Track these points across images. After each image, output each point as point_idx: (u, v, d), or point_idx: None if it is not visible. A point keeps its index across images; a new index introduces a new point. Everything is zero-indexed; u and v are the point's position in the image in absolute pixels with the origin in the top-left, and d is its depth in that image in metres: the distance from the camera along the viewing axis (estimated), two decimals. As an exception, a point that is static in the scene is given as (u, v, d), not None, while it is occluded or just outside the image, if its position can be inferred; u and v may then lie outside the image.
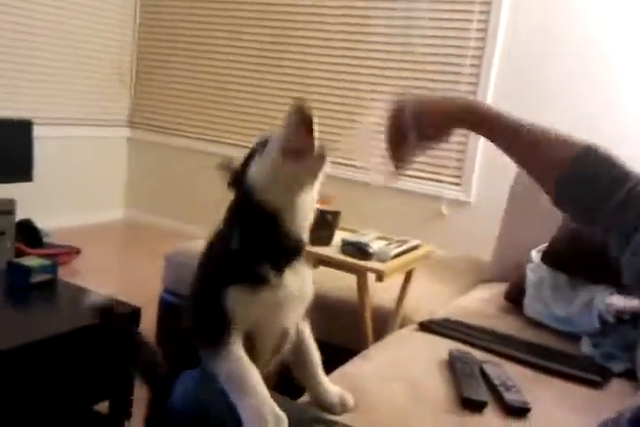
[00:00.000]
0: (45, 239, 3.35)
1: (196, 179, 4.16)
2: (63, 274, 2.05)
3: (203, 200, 4.13)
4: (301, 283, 1.12)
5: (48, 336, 1.68)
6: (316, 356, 1.21)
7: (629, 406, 0.65)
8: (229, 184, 1.11)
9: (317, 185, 1.10)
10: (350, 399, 1.21)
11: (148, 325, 2.15)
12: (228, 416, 0.97)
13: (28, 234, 3.24)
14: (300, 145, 1.01)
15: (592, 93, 2.86)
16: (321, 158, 1.03)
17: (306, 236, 1.12)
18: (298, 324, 1.18)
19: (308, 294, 1.15)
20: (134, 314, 1.90)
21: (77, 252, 3.41)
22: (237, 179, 1.09)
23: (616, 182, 0.82)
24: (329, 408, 1.18)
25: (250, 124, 3.91)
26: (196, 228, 4.05)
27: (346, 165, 3.44)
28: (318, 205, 1.93)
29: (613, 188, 0.82)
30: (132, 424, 1.91)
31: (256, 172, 1.05)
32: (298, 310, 1.15)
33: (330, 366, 1.33)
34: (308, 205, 1.09)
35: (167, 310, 2.34)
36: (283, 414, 0.96)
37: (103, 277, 3.21)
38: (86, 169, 4.18)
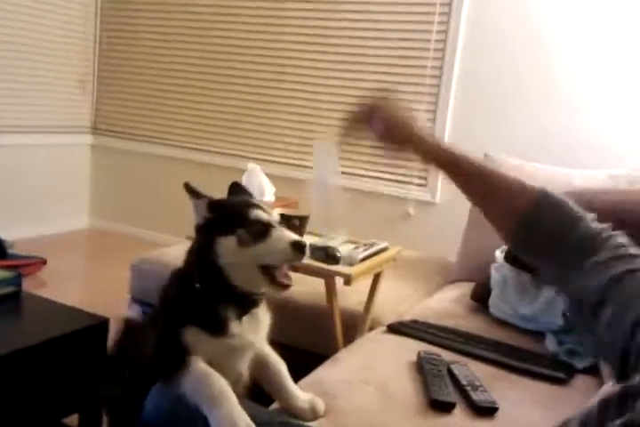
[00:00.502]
0: (10, 250, 3.28)
1: (162, 185, 4.13)
2: (29, 285, 2.02)
3: (168, 207, 4.10)
4: (259, 330, 1.16)
5: (14, 349, 1.65)
6: (282, 370, 1.22)
7: (579, 410, 0.68)
8: (197, 229, 1.14)
9: None
10: (321, 405, 1.22)
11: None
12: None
13: (-9, 245, 3.18)
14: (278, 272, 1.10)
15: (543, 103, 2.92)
16: (284, 290, 1.11)
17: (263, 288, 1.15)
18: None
19: (262, 338, 1.19)
20: (102, 325, 1.88)
21: (43, 262, 3.35)
22: (204, 231, 1.12)
23: (569, 225, 0.86)
24: (300, 415, 1.19)
25: (214, 129, 3.90)
26: (163, 235, 4.02)
27: (310, 167, 3.48)
28: (283, 210, 1.95)
29: (568, 230, 0.86)
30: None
31: (225, 256, 1.09)
32: (250, 353, 1.17)
33: (300, 372, 1.35)
34: None
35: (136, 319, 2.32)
36: (252, 424, 0.97)
37: (70, 288, 3.16)
38: (49, 177, 4.11)
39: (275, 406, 1.23)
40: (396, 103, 1.03)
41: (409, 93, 3.18)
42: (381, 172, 3.31)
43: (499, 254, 2.01)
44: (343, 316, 1.93)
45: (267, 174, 2.17)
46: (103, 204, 4.42)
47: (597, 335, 0.79)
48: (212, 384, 1.02)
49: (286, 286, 1.10)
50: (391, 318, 1.85)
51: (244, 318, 1.12)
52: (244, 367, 1.16)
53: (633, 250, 0.83)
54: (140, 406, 1.06)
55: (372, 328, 1.89)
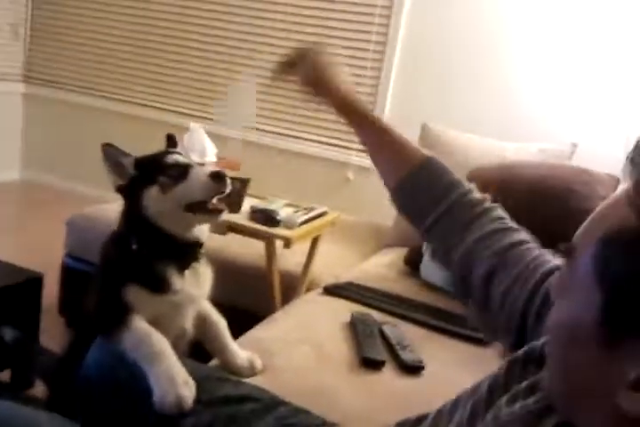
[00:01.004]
0: None
1: (97, 138, 3.99)
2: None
3: (101, 160, 4.00)
4: (201, 284, 1.18)
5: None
6: (222, 328, 1.25)
7: (489, 374, 0.73)
8: (118, 190, 1.15)
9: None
10: (259, 362, 1.27)
11: (50, 290, 2.11)
12: (142, 382, 1.00)
13: None
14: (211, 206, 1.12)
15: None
16: (219, 214, 1.13)
17: (203, 237, 1.17)
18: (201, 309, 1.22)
19: (205, 292, 1.20)
20: (36, 280, 1.87)
21: (-29, 214, 3.24)
22: (129, 190, 1.13)
23: (446, 191, 0.92)
24: (238, 371, 1.23)
25: (154, 83, 3.79)
26: (97, 189, 3.94)
27: (260, 130, 3.47)
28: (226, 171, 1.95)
29: (443, 195, 0.92)
30: (34, 392, 1.89)
31: (152, 205, 1.11)
32: (193, 309, 1.19)
33: (238, 330, 1.38)
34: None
35: (70, 275, 2.30)
36: (190, 380, 1.00)
37: (1, 241, 3.08)
38: (-23, 126, 3.93)
39: (214, 362, 1.27)
40: (324, 53, 1.08)
41: (352, 58, 3.20)
42: (322, 136, 3.33)
43: (432, 221, 2.08)
44: (282, 277, 1.97)
45: (208, 133, 2.15)
46: (35, 156, 4.27)
47: (489, 308, 0.85)
48: (152, 343, 1.04)
49: (219, 211, 1.12)
50: (328, 281, 1.90)
51: (186, 273, 1.14)
52: (187, 324, 1.18)
53: (511, 223, 0.90)
54: (78, 364, 1.08)
55: (309, 290, 1.95)
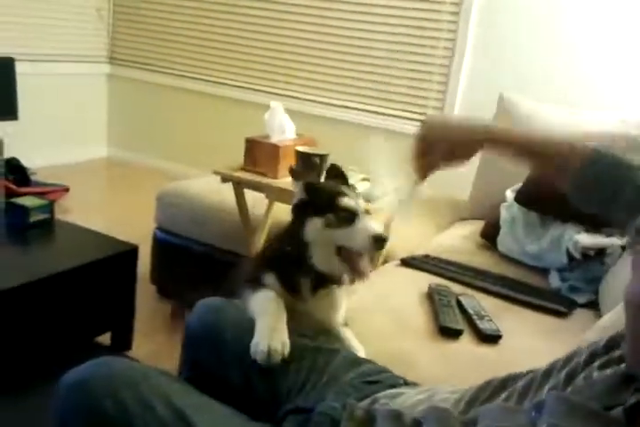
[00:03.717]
0: (32, 178, 3.38)
1: (179, 117, 4.16)
2: (55, 212, 2.11)
3: (184, 138, 4.16)
4: (329, 308, 1.26)
5: (50, 274, 1.77)
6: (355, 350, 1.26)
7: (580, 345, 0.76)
8: (293, 208, 1.25)
9: None
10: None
11: (143, 260, 2.25)
12: (242, 340, 1.08)
13: (15, 172, 3.26)
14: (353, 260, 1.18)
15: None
16: (359, 279, 1.20)
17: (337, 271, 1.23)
18: (334, 331, 1.28)
19: (328, 319, 1.27)
20: (133, 252, 2.00)
21: (66, 190, 3.45)
22: (301, 210, 1.23)
23: (622, 182, 0.88)
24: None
25: (234, 62, 3.88)
26: (179, 165, 4.10)
27: (334, 105, 3.51)
28: (304, 148, 2.01)
29: (619, 188, 0.88)
30: (133, 355, 2.04)
31: (310, 234, 1.20)
32: (311, 324, 1.24)
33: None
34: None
35: (161, 247, 2.44)
36: (288, 341, 1.07)
37: (94, 215, 3.27)
38: (68, 107, 4.15)
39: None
40: (445, 121, 1.09)
41: (425, 33, 3.17)
42: (398, 110, 3.34)
43: (509, 194, 2.09)
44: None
45: (286, 110, 2.21)
46: (120, 134, 4.48)
47: None
48: (270, 303, 1.15)
49: (363, 275, 1.19)
50: (404, 253, 1.94)
51: (320, 292, 1.23)
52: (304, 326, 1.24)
53: None
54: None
55: (386, 262, 1.99)
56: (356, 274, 1.19)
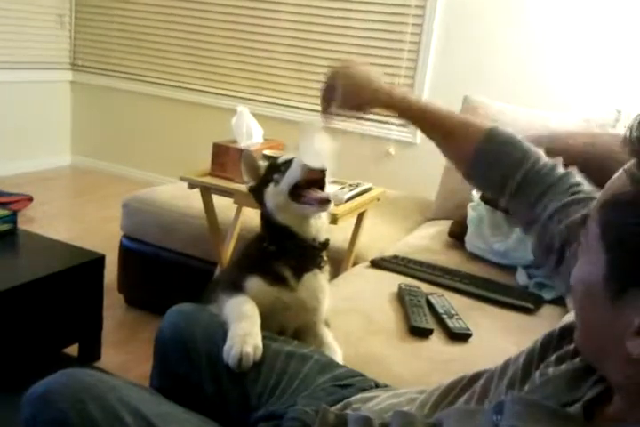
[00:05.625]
0: (-5, 188, 3.31)
1: (143, 123, 4.12)
2: (18, 222, 2.07)
3: (149, 145, 4.12)
4: (313, 293, 1.24)
5: (14, 285, 1.74)
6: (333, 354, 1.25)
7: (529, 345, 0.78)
8: (250, 190, 1.29)
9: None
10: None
11: (110, 269, 2.22)
12: (214, 346, 1.07)
13: (-23, 183, 3.19)
14: (308, 193, 1.19)
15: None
16: (325, 204, 1.19)
17: (321, 236, 1.25)
18: (316, 328, 1.28)
19: (318, 303, 1.26)
20: (99, 261, 1.97)
21: (30, 199, 3.39)
22: (257, 191, 1.26)
23: (516, 163, 0.95)
24: None
25: (199, 67, 3.85)
26: (144, 173, 4.06)
27: (303, 108, 3.51)
28: (271, 152, 2.00)
29: (514, 168, 0.95)
30: (102, 365, 2.01)
31: (270, 200, 1.23)
32: (301, 316, 1.26)
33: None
34: (318, 220, 1.25)
35: (128, 255, 2.41)
36: (261, 346, 1.06)
37: (58, 225, 3.22)
38: (30, 114, 4.07)
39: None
40: (353, 69, 1.11)
41: (390, 37, 3.20)
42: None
43: (475, 194, 2.11)
44: (329, 252, 2.02)
45: (254, 114, 2.20)
46: (84, 141, 4.42)
47: (563, 275, 0.89)
48: (244, 307, 1.14)
49: (325, 201, 1.19)
50: (374, 254, 1.95)
51: (305, 278, 1.22)
52: (289, 324, 1.25)
53: (586, 188, 0.93)
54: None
55: (355, 263, 2.00)
56: (318, 202, 1.19)
